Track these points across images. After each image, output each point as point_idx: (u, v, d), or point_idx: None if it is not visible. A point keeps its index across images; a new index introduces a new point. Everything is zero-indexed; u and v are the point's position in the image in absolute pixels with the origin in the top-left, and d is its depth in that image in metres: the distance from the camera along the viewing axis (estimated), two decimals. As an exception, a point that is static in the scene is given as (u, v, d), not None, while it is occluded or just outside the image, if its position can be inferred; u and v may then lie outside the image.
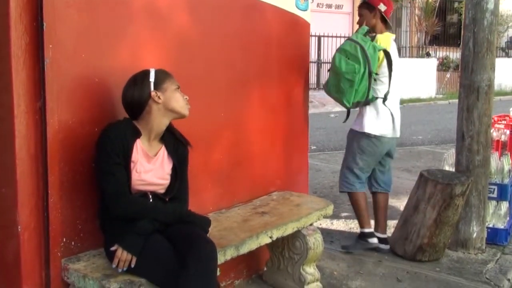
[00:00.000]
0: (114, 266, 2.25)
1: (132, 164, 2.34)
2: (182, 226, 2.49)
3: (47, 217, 2.29)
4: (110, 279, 2.22)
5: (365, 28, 3.73)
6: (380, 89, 3.80)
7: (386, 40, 3.83)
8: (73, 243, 2.42)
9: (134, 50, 2.59)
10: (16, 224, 2.23)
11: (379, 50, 3.67)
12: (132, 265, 2.25)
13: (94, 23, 2.43)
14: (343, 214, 4.95)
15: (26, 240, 2.25)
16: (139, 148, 2.38)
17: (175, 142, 2.52)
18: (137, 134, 2.38)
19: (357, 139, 3.93)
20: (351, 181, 3.98)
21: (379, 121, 3.85)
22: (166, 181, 2.47)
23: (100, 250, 2.44)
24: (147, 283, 2.23)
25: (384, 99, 3.79)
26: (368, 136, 3.86)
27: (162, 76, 2.40)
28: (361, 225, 4.06)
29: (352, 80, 3.60)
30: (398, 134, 3.97)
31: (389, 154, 4.04)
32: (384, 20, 3.92)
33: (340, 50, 3.70)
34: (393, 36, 3.97)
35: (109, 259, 2.35)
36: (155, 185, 2.43)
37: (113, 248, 2.27)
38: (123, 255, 2.25)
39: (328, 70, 3.87)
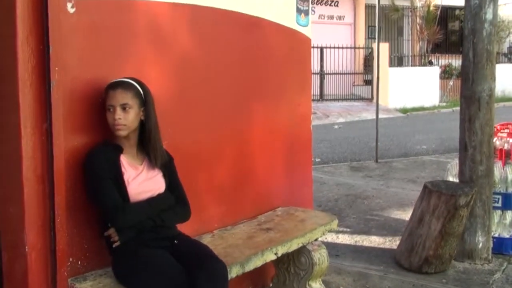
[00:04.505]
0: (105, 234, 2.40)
1: (125, 178, 2.39)
2: (190, 243, 2.53)
3: (54, 237, 2.30)
4: (117, 298, 2.23)
5: None
6: None
7: None
8: (79, 262, 2.44)
9: (138, 71, 2.62)
10: (24, 244, 2.25)
11: None
12: (114, 245, 2.37)
13: (99, 45, 2.47)
14: (348, 228, 4.95)
15: (33, 260, 2.27)
16: (125, 162, 2.43)
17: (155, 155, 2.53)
18: (119, 150, 2.43)
19: None
20: None
21: None
22: (160, 184, 2.52)
23: (106, 270, 2.45)
24: (154, 302, 2.25)
25: None
26: None
27: (107, 91, 2.39)
28: None
29: None
30: None
31: None
32: None
33: None
34: None
35: (116, 278, 2.39)
36: (151, 190, 2.46)
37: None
38: (113, 234, 2.37)
39: None
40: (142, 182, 2.45)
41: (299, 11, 3.71)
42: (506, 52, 21.67)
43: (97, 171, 2.34)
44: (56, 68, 2.25)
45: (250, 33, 3.34)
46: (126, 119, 2.37)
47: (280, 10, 3.56)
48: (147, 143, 2.49)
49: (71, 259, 2.39)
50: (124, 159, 2.43)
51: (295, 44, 3.74)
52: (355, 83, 18.70)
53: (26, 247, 2.25)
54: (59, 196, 2.30)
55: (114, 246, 2.39)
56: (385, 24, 19.76)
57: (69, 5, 2.32)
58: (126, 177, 2.40)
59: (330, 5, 19.53)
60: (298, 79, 3.82)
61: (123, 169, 2.40)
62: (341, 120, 14.59)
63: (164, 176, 2.55)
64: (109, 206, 2.33)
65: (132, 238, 2.39)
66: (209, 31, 3.05)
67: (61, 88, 2.28)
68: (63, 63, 2.29)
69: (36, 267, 2.28)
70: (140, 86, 2.44)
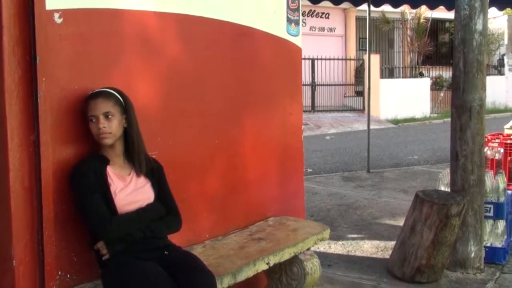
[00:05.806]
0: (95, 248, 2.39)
1: (112, 190, 2.37)
2: (180, 254, 2.50)
3: (42, 251, 2.27)
4: (106, 311, 2.20)
5: None
6: None
7: None
8: (68, 275, 2.40)
9: (127, 81, 2.61)
10: (11, 258, 2.21)
11: None
12: (103, 258, 2.36)
13: (87, 55, 2.46)
14: (341, 237, 4.93)
15: (21, 274, 2.23)
16: (111, 173, 2.41)
17: (139, 161, 2.51)
18: (105, 162, 2.42)
19: None
20: None
21: None
22: (149, 194, 2.49)
23: (95, 283, 2.42)
24: (144, 315, 2.21)
25: None
26: None
27: (87, 102, 2.37)
28: None
29: None
30: None
31: None
32: None
33: None
34: None
35: (106, 290, 2.35)
36: (140, 200, 2.44)
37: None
38: (101, 248, 2.35)
39: None
40: (130, 192, 2.42)
41: (289, 20, 3.72)
42: (496, 64, 21.87)
43: (83, 184, 2.31)
44: (43, 79, 2.24)
45: (239, 42, 3.34)
46: (110, 127, 2.36)
47: (270, 19, 3.56)
48: (131, 151, 2.47)
49: (59, 273, 2.36)
50: (110, 170, 2.41)
51: (286, 53, 3.75)
52: (347, 94, 18.79)
53: (14, 261, 2.21)
54: (47, 209, 2.27)
55: (103, 259, 2.36)
56: (376, 36, 19.89)
57: (56, 15, 2.31)
58: (113, 188, 2.37)
59: (321, 17, 19.65)
60: (289, 88, 3.81)
61: (109, 181, 2.38)
62: (333, 131, 14.63)
63: (153, 185, 2.52)
64: (97, 219, 2.30)
65: (121, 250, 2.36)
66: (198, 40, 3.05)
67: (48, 99, 2.26)
68: (50, 73, 2.27)
69: (24, 281, 2.25)
70: (119, 94, 2.43)
